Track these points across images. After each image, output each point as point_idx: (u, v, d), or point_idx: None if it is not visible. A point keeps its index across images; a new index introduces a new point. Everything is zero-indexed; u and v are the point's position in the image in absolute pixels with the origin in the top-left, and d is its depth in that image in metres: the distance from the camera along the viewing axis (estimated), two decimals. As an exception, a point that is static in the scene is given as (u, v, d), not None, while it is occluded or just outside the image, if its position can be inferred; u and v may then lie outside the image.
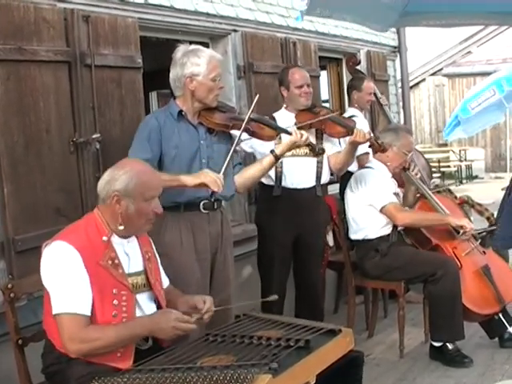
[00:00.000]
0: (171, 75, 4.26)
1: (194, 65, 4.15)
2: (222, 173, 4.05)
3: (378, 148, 5.34)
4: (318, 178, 5.40)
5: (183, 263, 4.11)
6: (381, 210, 5.47)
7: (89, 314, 3.02)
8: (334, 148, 5.50)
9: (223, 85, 4.46)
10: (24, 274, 3.86)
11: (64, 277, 3.02)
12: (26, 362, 3.37)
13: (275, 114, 5.35)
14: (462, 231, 5.46)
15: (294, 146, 4.47)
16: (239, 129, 4.24)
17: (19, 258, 4.11)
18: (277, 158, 4.41)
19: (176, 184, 3.99)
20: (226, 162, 4.10)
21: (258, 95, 4.35)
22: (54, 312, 3.02)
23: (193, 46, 4.31)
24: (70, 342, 2.98)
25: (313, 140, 5.12)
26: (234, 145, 4.19)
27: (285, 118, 5.27)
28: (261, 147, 4.99)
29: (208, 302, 3.39)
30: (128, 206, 3.18)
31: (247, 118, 4.25)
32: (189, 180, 4.00)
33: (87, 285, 3.03)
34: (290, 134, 4.51)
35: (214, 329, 3.26)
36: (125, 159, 3.39)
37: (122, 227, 3.21)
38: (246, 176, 4.41)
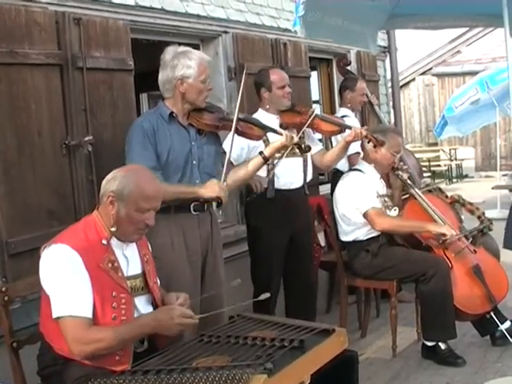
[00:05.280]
0: (161, 77, 4.26)
1: (185, 67, 4.15)
2: (222, 180, 4.11)
3: (377, 143, 5.39)
4: (305, 176, 5.45)
5: (175, 265, 4.12)
6: (363, 215, 5.49)
7: (91, 316, 3.02)
8: (317, 147, 5.58)
9: (212, 86, 4.48)
10: (17, 276, 3.88)
11: (66, 279, 3.02)
12: (21, 364, 3.37)
13: (254, 116, 5.29)
14: (442, 239, 5.45)
15: (283, 147, 4.49)
16: (228, 129, 4.26)
17: (12, 261, 4.11)
18: (265, 159, 4.41)
19: (192, 196, 4.08)
20: (225, 168, 4.16)
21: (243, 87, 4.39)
22: (55, 315, 3.02)
23: (182, 48, 4.30)
24: (75, 344, 2.98)
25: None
26: (230, 147, 4.21)
27: (265, 119, 5.14)
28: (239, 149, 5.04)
29: (181, 298, 3.38)
30: (120, 210, 3.18)
31: (236, 117, 4.27)
32: (205, 193, 4.07)
33: (88, 287, 3.04)
34: (278, 133, 4.53)
35: (208, 329, 3.27)
36: (136, 165, 3.39)
37: (114, 228, 3.20)
38: (235, 178, 4.39)
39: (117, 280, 3.14)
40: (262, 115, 5.36)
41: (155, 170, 3.95)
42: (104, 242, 3.17)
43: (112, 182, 3.20)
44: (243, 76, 4.48)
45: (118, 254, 3.21)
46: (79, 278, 3.02)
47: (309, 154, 5.39)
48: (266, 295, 3.54)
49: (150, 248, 3.55)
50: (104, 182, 3.25)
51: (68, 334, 2.98)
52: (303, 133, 5.33)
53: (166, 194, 3.83)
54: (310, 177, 5.54)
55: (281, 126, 5.13)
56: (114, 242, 3.23)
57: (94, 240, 3.15)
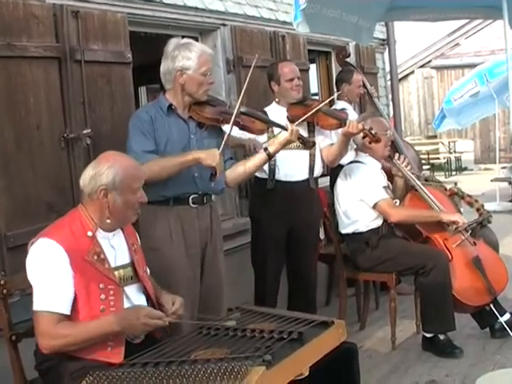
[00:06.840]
0: (162, 68, 4.24)
1: (184, 58, 4.13)
2: (220, 151, 4.05)
3: (372, 138, 5.28)
4: (311, 170, 5.42)
5: (173, 258, 4.12)
6: (373, 207, 5.47)
7: (66, 311, 3.04)
8: (327, 140, 5.52)
9: (213, 80, 4.46)
10: (16, 270, 3.86)
11: (46, 274, 3.04)
12: (20, 357, 3.38)
13: (266, 109, 5.35)
14: (454, 227, 5.48)
15: (288, 143, 4.46)
16: (230, 123, 4.24)
17: (11, 254, 4.11)
18: (270, 156, 4.37)
19: (192, 163, 4.04)
20: (222, 147, 4.10)
21: (247, 80, 4.32)
22: (33, 309, 3.05)
23: (185, 40, 4.29)
24: (42, 338, 3.03)
25: (304, 133, 5.12)
26: (224, 138, 4.19)
27: (276, 112, 5.26)
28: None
29: (177, 303, 3.39)
30: (115, 200, 3.20)
31: (236, 111, 4.24)
32: (205, 159, 4.00)
33: (69, 282, 3.05)
34: (282, 127, 4.50)
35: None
36: (104, 153, 3.37)
37: (109, 221, 3.23)
38: (238, 171, 4.36)
39: (103, 272, 3.15)
40: (273, 108, 5.42)
41: (154, 153, 4.00)
42: (89, 233, 3.18)
43: (98, 177, 3.18)
44: (249, 73, 4.40)
45: (104, 245, 3.22)
46: (60, 274, 3.03)
47: (318, 148, 5.38)
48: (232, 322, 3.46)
49: (137, 237, 3.55)
50: (86, 179, 3.22)
51: (38, 328, 3.03)
52: (313, 127, 5.35)
53: (166, 170, 3.94)
54: (317, 171, 5.49)
55: (287, 119, 5.12)
56: (100, 233, 3.24)
57: (79, 233, 3.16)
